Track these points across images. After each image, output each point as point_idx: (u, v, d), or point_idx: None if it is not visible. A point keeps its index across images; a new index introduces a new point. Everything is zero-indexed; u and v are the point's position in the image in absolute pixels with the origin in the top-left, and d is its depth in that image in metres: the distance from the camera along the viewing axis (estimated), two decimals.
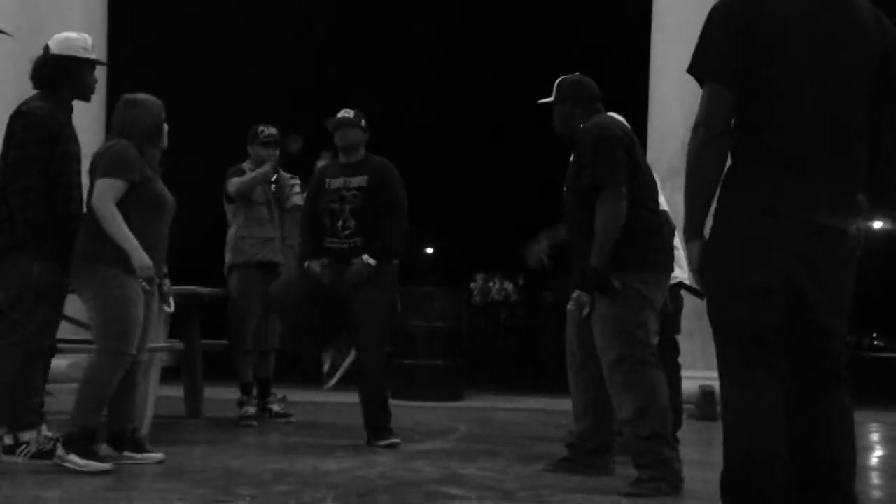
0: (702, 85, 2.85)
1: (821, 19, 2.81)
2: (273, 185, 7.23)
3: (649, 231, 4.76)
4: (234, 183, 7.13)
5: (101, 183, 4.85)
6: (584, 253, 4.70)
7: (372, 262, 5.94)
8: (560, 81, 5.11)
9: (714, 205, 2.88)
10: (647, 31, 9.99)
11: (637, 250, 4.67)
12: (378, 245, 5.98)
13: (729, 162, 2.86)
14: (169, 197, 5.07)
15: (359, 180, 6.08)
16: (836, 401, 2.86)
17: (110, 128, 5.11)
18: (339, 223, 6.02)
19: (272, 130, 7.28)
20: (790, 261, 2.75)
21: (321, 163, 6.93)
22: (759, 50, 2.78)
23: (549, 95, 5.09)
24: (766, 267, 2.75)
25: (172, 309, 5.36)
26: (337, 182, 6.09)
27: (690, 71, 2.86)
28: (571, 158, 4.99)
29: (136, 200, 4.88)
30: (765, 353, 2.77)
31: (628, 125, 4.98)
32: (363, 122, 6.18)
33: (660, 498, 4.48)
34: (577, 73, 5.17)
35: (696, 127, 2.83)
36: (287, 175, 7.32)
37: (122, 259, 4.79)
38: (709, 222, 2.91)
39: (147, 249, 4.86)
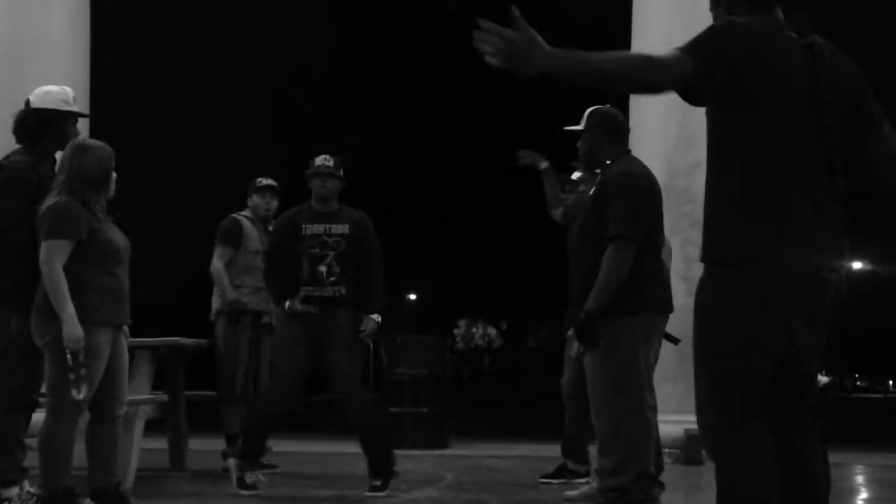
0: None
1: (805, 62, 2.79)
2: (268, 234, 7.26)
3: (651, 273, 4.75)
4: (217, 268, 7.15)
5: (47, 244, 4.73)
6: (582, 290, 4.68)
7: (378, 319, 5.99)
8: (592, 111, 5.10)
9: (703, 251, 2.85)
10: None
11: (639, 293, 4.63)
12: (368, 299, 6.00)
13: (714, 203, 2.82)
14: (122, 242, 4.96)
15: (341, 228, 6.07)
16: (814, 443, 2.87)
17: (57, 172, 4.94)
18: (322, 269, 5.97)
19: (269, 181, 7.39)
20: (790, 308, 2.74)
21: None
22: (750, 82, 2.73)
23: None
24: (770, 316, 2.72)
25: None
26: (316, 228, 6.06)
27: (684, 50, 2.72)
28: (591, 192, 4.95)
29: (88, 255, 4.79)
30: (760, 402, 2.77)
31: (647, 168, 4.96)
32: (341, 171, 6.22)
33: None
34: (608, 105, 5.14)
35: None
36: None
37: (85, 312, 4.70)
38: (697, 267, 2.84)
39: (113, 299, 4.83)
